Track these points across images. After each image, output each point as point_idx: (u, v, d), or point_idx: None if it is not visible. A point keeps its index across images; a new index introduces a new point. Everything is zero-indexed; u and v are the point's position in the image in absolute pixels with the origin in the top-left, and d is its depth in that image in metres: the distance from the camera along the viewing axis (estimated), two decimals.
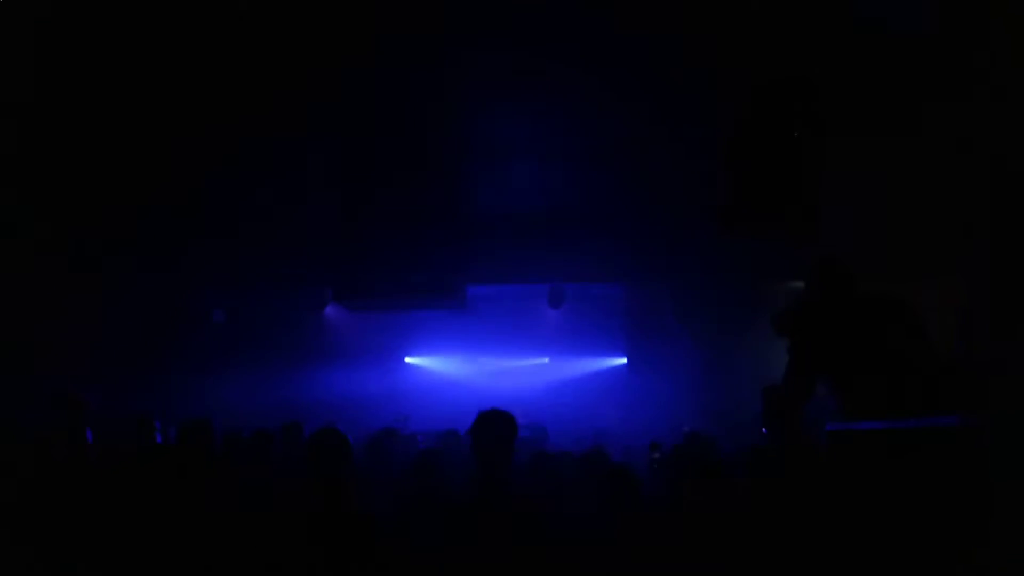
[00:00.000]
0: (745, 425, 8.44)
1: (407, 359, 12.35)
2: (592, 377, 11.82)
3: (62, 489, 3.66)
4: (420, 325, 11.09)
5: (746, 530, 3.33)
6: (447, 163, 7.00)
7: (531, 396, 11.83)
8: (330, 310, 10.49)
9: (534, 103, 5.99)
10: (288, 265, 8.75)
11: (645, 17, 4.70)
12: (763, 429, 4.22)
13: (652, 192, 7.66)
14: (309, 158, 6.90)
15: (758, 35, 4.37)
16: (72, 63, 4.83)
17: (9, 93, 4.80)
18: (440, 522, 3.28)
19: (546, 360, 12.43)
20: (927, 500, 2.75)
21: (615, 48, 5.09)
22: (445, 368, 12.23)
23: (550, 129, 6.50)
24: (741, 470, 3.84)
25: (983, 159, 2.46)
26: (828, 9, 3.87)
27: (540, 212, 8.28)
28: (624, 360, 11.44)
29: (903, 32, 2.80)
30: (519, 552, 3.05)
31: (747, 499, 3.59)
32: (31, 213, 6.27)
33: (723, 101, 4.34)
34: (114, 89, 5.27)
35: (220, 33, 4.71)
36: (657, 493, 4.42)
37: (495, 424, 3.50)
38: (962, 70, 2.56)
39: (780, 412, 3.93)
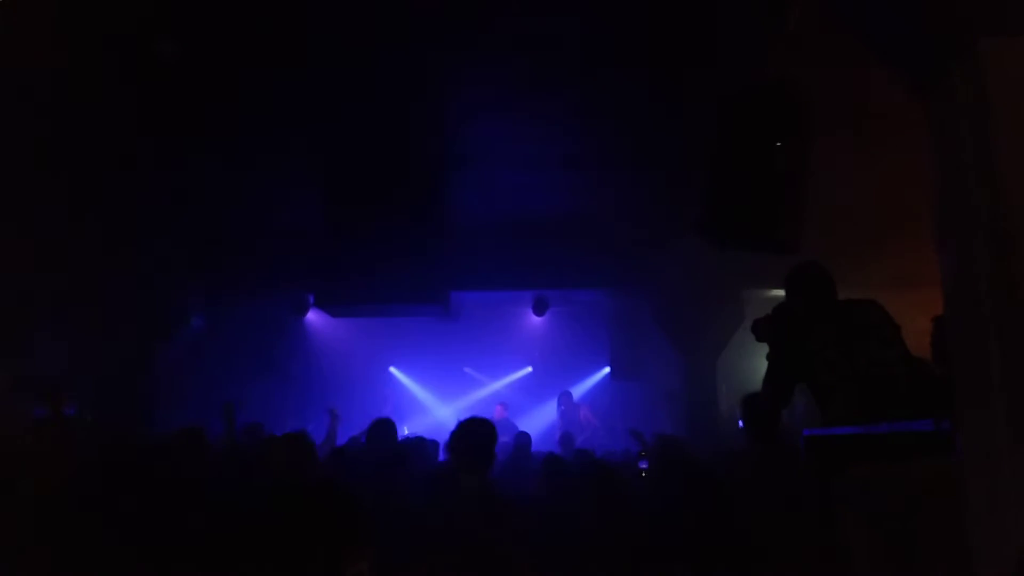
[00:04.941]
0: (726, 430, 8.51)
1: (391, 368, 12.34)
2: (574, 384, 11.85)
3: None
4: (403, 331, 11.07)
5: (727, 533, 3.34)
6: (431, 169, 7.00)
7: (515, 404, 11.88)
8: (311, 316, 10.45)
9: (518, 111, 6.00)
10: (269, 270, 8.70)
11: (629, 25, 4.73)
12: (740, 423, 4.24)
13: (635, 200, 7.69)
14: (291, 162, 6.86)
15: (741, 40, 4.41)
16: (50, 58, 4.78)
17: None
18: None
19: (529, 369, 12.47)
20: (903, 504, 2.78)
21: (599, 57, 5.11)
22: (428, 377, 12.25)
23: (534, 137, 6.51)
24: (722, 474, 3.86)
25: (965, 163, 2.49)
26: (808, 11, 3.91)
27: (524, 219, 8.30)
28: (607, 367, 11.47)
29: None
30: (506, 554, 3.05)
31: (728, 502, 3.61)
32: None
33: (706, 109, 4.36)
34: (92, 90, 5.22)
35: (206, 34, 4.69)
36: (644, 495, 4.44)
37: (474, 432, 3.55)
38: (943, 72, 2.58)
39: (760, 417, 3.96)
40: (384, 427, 5.27)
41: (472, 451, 3.49)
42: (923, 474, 2.76)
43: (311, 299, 9.28)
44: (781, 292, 3.77)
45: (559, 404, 11.08)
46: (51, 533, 3.33)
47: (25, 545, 3.28)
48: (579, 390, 11.86)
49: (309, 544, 2.09)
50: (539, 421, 11.53)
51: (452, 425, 3.73)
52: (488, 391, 12.42)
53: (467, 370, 12.52)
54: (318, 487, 2.23)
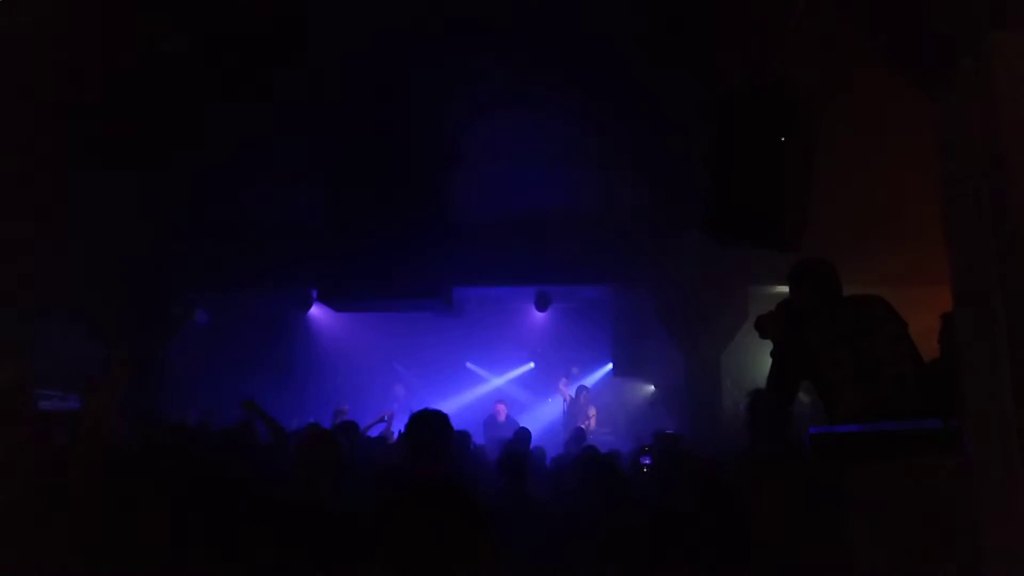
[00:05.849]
0: (729, 428, 8.50)
1: (395, 364, 12.35)
2: (576, 381, 11.84)
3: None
4: (405, 326, 11.07)
5: (734, 531, 3.33)
6: (434, 165, 6.99)
7: (517, 400, 11.89)
8: (315, 310, 10.46)
9: (521, 108, 5.98)
10: (273, 265, 8.70)
11: (631, 22, 4.71)
12: (748, 421, 4.22)
13: (638, 196, 7.67)
14: (295, 158, 6.86)
15: (743, 38, 4.39)
16: (54, 55, 4.77)
17: None
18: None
19: (531, 364, 12.47)
20: (910, 503, 2.77)
21: (601, 53, 5.10)
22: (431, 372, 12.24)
23: (537, 133, 6.50)
24: (727, 472, 3.85)
25: (972, 160, 2.48)
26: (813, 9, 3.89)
27: (527, 215, 8.29)
28: (609, 364, 11.47)
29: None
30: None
31: (734, 501, 3.59)
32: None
33: (710, 105, 4.35)
34: (94, 87, 5.21)
35: (208, 31, 4.68)
36: (647, 493, 4.43)
37: (429, 423, 3.53)
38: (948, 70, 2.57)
39: (765, 415, 3.95)
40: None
41: (424, 441, 3.46)
42: (931, 473, 2.75)
43: (315, 294, 9.29)
44: (786, 288, 3.75)
45: (571, 397, 10.99)
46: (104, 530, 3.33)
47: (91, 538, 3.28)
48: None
49: (444, 545, 2.01)
50: (541, 417, 11.54)
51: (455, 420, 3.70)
52: (490, 386, 12.43)
53: (469, 365, 12.53)
54: (446, 486, 2.17)
